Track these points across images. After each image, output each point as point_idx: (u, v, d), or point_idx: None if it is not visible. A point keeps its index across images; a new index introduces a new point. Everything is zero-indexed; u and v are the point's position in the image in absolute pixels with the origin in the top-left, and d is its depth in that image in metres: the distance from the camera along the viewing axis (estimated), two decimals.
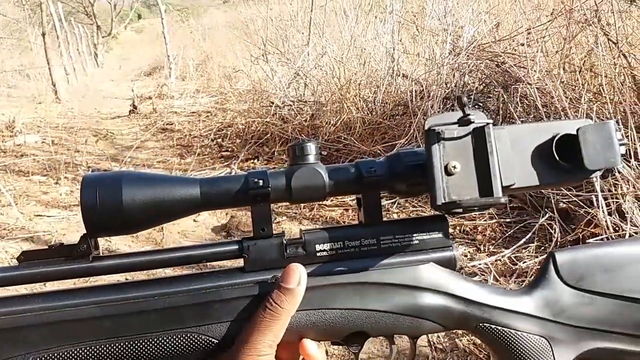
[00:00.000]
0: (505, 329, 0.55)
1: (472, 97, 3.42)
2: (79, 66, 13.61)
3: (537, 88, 2.92)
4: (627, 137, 2.59)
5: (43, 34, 8.78)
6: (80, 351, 0.49)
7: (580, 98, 2.89)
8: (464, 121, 0.50)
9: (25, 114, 6.23)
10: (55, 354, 0.49)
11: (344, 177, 0.53)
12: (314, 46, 4.88)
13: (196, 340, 0.51)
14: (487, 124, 0.50)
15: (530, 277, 2.02)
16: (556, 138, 0.53)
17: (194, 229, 2.80)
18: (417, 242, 0.55)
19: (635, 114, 2.63)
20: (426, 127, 0.51)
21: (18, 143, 5.01)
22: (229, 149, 4.63)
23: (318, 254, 0.54)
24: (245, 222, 2.70)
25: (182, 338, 0.50)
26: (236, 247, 0.53)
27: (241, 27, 7.97)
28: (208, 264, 0.58)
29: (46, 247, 0.50)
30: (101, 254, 0.52)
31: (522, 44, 3.22)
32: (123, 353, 0.49)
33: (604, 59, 2.90)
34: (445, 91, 3.49)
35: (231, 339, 0.51)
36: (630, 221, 2.03)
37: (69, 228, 2.81)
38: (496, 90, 3.31)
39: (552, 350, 0.55)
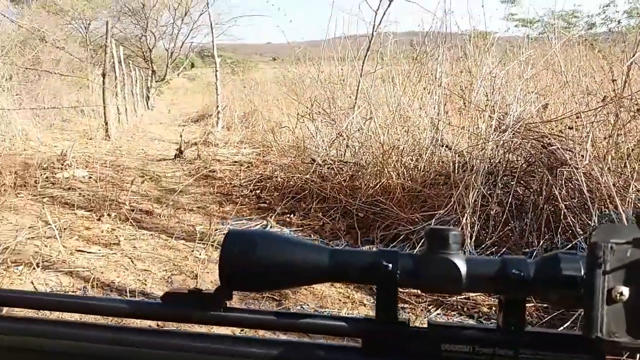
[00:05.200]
0: None
1: (516, 175, 3.41)
2: (130, 107, 14.22)
3: (583, 173, 2.89)
4: None
5: (103, 75, 9.28)
6: None
7: (627, 186, 2.84)
8: None
9: (76, 148, 6.50)
10: None
11: (485, 273, 0.47)
12: (360, 110, 4.99)
13: None
14: None
15: None
16: None
17: None
18: None
19: None
20: (592, 240, 0.43)
21: (67, 176, 5.21)
22: (267, 201, 4.70)
23: (443, 354, 0.48)
24: None
25: None
26: (355, 326, 0.50)
27: (289, 84, 8.24)
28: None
29: (186, 291, 0.53)
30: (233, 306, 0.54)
31: (571, 127, 3.22)
32: None
33: None
34: (488, 166, 3.49)
35: None
36: None
37: (107, 267, 2.86)
38: (540, 170, 3.29)
39: None
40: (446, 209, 3.41)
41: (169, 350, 0.52)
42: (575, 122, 3.25)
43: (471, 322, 2.54)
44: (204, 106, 14.90)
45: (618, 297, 0.42)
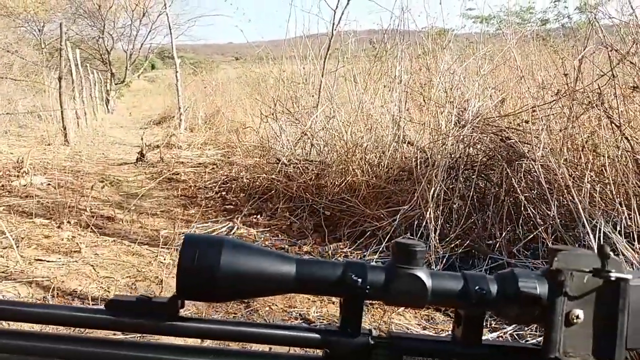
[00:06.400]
0: None
1: (476, 169, 3.48)
2: (90, 111, 13.88)
3: (541, 165, 2.97)
4: (630, 219, 2.62)
5: (59, 78, 9.01)
6: None
7: (583, 177, 2.94)
8: (601, 275, 0.46)
9: (34, 154, 6.31)
10: None
11: (448, 289, 0.49)
12: (323, 109, 5.00)
13: None
14: (626, 280, 0.46)
15: None
16: None
17: None
18: None
19: (638, 197, 2.67)
20: (554, 267, 0.46)
21: (24, 184, 5.04)
22: (233, 203, 4.66)
23: None
24: None
25: None
26: (318, 337, 0.50)
27: (252, 84, 8.19)
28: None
29: (134, 298, 0.49)
30: (187, 315, 0.51)
31: (527, 121, 3.31)
32: None
33: (607, 141, 2.97)
34: (449, 161, 3.55)
35: None
36: None
37: (69, 275, 2.78)
38: (500, 163, 3.37)
39: None
40: (410, 204, 3.45)
41: None
42: (532, 115, 3.34)
43: (438, 315, 2.59)
44: (166, 108, 14.67)
45: (574, 320, 0.46)
